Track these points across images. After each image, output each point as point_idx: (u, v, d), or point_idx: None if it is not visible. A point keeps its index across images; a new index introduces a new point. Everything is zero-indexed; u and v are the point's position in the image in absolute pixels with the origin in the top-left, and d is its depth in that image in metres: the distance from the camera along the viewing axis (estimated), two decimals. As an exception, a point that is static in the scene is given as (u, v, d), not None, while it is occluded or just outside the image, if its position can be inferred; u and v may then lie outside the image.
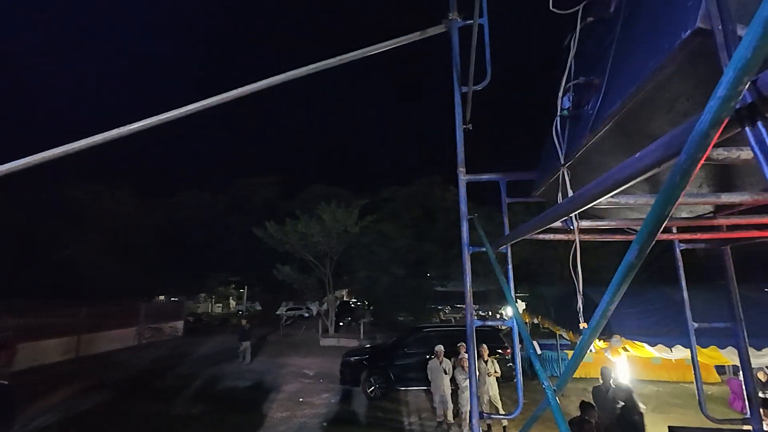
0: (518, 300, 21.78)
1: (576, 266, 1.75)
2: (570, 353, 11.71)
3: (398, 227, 22.76)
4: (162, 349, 16.60)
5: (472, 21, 2.20)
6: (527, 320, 12.45)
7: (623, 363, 6.73)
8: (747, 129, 0.55)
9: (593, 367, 10.57)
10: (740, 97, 0.52)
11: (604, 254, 19.15)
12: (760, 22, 0.47)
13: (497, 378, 7.75)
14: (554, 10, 1.76)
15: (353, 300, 34.02)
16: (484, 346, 7.83)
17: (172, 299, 27.65)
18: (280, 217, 20.24)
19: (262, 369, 12.62)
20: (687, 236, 2.41)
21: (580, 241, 1.83)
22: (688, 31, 0.89)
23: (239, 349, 13.52)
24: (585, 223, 1.85)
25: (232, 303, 39.93)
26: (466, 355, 7.84)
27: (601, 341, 6.39)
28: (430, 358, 8.31)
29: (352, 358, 10.65)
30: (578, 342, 1.16)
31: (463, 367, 7.64)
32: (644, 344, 6.21)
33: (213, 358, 14.51)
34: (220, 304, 39.07)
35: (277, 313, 30.61)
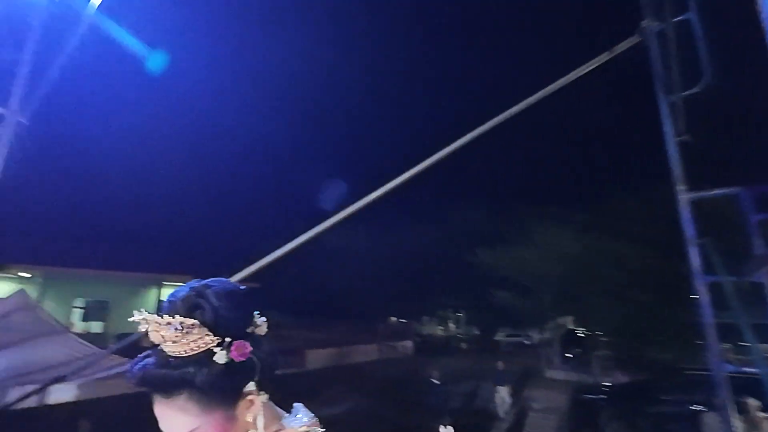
0: None
1: None
2: None
3: (633, 244, 18.98)
4: (400, 365, 18.86)
5: (664, 24, 1.99)
6: None
7: None
8: None
9: None
10: None
11: None
12: None
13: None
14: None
15: (581, 329, 29.97)
16: None
17: (400, 320, 31.51)
18: (491, 241, 20.41)
19: (485, 395, 12.65)
20: None
21: None
22: None
23: (495, 394, 10.71)
24: None
25: (452, 326, 41.91)
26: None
27: None
28: (701, 411, 6.48)
29: (588, 396, 9.50)
30: None
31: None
32: None
33: (452, 377, 14.53)
34: (441, 327, 41.65)
35: (495, 338, 30.23)
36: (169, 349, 0.70)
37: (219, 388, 0.69)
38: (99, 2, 2.37)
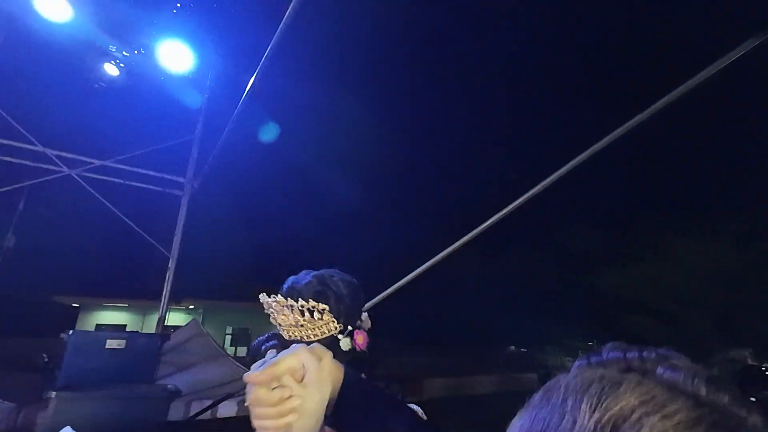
0: None
1: None
2: None
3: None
4: (525, 399, 17.39)
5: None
6: None
7: None
8: None
9: None
10: None
11: None
12: None
13: None
14: None
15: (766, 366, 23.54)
16: None
17: (521, 349, 29.05)
18: (619, 260, 17.91)
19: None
20: None
21: None
22: None
23: None
24: None
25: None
26: None
27: None
28: None
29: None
30: None
31: None
32: None
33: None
34: (570, 358, 37.09)
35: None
36: (292, 333, 0.68)
37: None
38: (247, 90, 3.03)
